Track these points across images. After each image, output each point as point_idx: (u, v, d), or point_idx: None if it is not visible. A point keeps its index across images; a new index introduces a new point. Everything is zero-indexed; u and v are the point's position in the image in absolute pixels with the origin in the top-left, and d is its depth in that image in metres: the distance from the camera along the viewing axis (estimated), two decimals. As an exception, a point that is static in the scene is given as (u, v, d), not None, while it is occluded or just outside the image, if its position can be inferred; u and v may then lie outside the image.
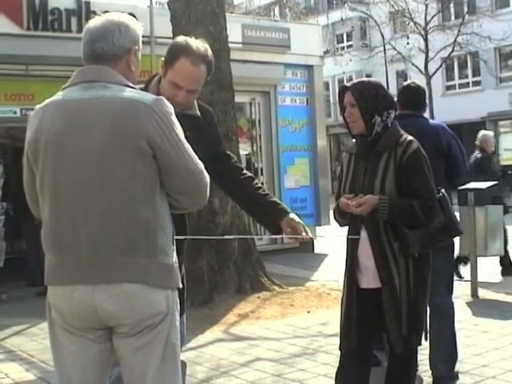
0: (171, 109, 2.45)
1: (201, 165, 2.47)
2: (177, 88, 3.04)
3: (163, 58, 3.12)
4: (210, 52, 3.12)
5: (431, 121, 4.69)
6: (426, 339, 3.71)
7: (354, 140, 3.73)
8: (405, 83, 5.01)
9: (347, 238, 3.67)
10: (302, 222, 3.21)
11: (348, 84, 3.64)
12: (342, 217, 3.71)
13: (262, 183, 12.58)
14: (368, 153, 3.57)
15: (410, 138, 3.58)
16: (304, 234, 3.16)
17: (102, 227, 2.35)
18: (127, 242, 2.36)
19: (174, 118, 2.44)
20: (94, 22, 2.51)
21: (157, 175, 2.40)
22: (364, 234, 3.55)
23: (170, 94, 2.99)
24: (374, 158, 3.53)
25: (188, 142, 2.46)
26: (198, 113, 3.23)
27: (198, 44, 3.08)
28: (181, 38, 3.14)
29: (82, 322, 2.40)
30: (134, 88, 2.48)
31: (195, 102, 3.23)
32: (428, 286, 3.64)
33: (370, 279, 3.54)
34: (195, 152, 2.48)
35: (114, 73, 2.46)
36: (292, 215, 3.22)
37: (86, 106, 2.39)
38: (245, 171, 3.45)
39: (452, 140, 4.65)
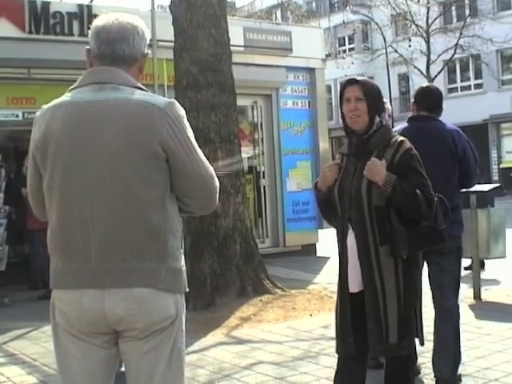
0: (184, 112, 2.42)
1: (211, 170, 2.44)
2: None
3: None
4: None
5: (447, 125, 4.66)
6: (421, 344, 3.65)
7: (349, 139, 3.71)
8: (423, 85, 5.00)
9: (337, 241, 3.63)
10: None
11: (358, 78, 3.62)
12: (327, 210, 3.70)
13: (264, 186, 12.59)
14: (360, 151, 3.55)
15: (401, 138, 3.56)
16: None
17: (113, 232, 2.31)
18: (138, 246, 2.32)
19: (186, 122, 2.41)
20: (106, 21, 2.44)
21: (168, 179, 2.36)
22: (351, 236, 3.51)
23: None
24: (364, 156, 3.50)
25: None
26: None
27: None
28: None
29: (90, 327, 2.37)
30: (145, 90, 2.43)
31: None
32: (419, 289, 3.59)
33: (358, 282, 3.49)
34: None
35: (125, 75, 2.42)
36: None
37: (98, 107, 2.34)
38: None
39: (466, 145, 4.62)
